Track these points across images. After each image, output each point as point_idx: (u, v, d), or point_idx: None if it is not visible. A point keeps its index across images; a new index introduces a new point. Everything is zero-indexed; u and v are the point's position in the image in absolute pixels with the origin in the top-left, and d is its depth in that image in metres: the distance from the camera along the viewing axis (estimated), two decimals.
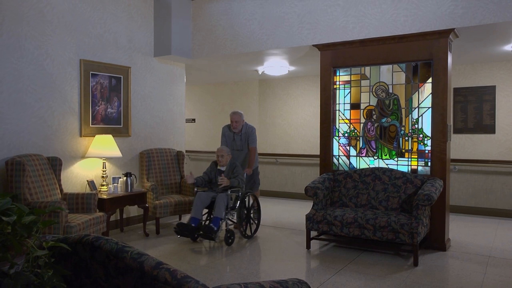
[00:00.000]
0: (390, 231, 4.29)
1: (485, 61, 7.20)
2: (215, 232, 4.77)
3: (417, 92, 4.92)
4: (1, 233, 1.40)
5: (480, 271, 4.11)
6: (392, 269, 4.16)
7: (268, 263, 4.49)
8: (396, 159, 5.06)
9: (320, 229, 4.71)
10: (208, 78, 9.29)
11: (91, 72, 5.36)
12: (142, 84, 6.07)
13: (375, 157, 5.19)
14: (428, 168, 4.86)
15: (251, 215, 5.45)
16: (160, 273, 1.41)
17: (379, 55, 5.06)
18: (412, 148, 4.96)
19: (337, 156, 5.42)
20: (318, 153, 5.80)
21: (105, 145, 5.21)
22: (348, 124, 5.36)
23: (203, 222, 5.15)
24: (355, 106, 5.32)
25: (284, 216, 6.74)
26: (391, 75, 5.07)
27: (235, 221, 5.25)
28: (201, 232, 4.87)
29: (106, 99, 5.58)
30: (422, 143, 4.90)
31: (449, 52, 4.75)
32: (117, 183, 5.29)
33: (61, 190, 4.74)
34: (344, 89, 5.38)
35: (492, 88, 7.30)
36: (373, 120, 5.19)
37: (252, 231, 5.38)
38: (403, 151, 5.02)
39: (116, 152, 5.28)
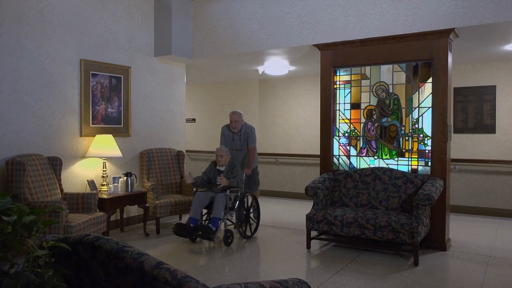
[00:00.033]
0: (391, 231, 4.29)
1: (486, 61, 7.20)
2: (213, 232, 4.75)
3: (417, 92, 4.92)
4: (1, 232, 1.40)
5: (481, 271, 4.11)
6: (392, 269, 4.16)
7: (268, 263, 4.49)
8: (396, 159, 5.06)
9: (320, 229, 4.71)
10: (208, 78, 9.30)
11: (91, 72, 5.36)
12: (142, 84, 6.07)
13: (375, 157, 5.18)
14: (428, 168, 4.85)
15: (251, 214, 5.44)
16: (161, 273, 1.41)
17: (380, 55, 5.06)
18: (412, 148, 4.96)
19: (338, 156, 5.42)
20: (318, 153, 5.80)
21: (105, 145, 5.21)
22: (349, 124, 5.35)
23: (202, 222, 5.13)
24: (355, 106, 5.32)
25: (284, 216, 6.74)
26: (392, 75, 5.07)
27: (234, 221, 5.22)
28: (199, 233, 4.85)
29: (107, 99, 5.58)
30: (422, 143, 4.90)
31: (449, 52, 4.75)
32: (117, 183, 5.29)
33: (62, 190, 4.75)
34: (345, 89, 5.38)
35: (493, 88, 7.29)
36: (373, 120, 5.19)
37: (252, 231, 5.37)
38: (404, 151, 5.01)
39: (116, 152, 5.28)
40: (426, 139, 4.87)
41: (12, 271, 1.36)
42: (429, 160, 4.84)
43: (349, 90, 5.35)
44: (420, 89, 4.90)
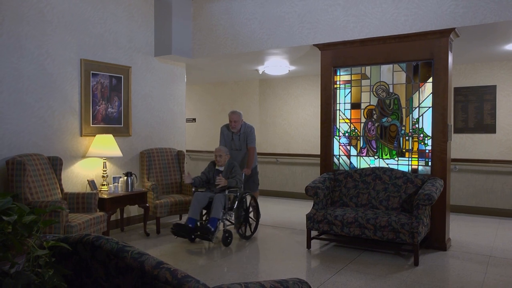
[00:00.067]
0: (391, 231, 4.29)
1: (486, 61, 7.20)
2: (212, 232, 4.72)
3: (417, 92, 4.92)
4: (1, 232, 1.40)
5: (481, 270, 4.11)
6: (392, 268, 4.16)
7: (269, 263, 4.49)
8: (396, 158, 5.06)
9: (320, 229, 4.71)
10: (208, 77, 9.30)
11: (91, 72, 5.36)
12: (142, 84, 6.08)
13: (376, 157, 5.18)
14: (428, 168, 4.85)
15: (250, 215, 5.42)
16: (161, 273, 1.41)
17: (380, 54, 5.06)
18: (412, 148, 4.96)
19: (338, 156, 5.42)
20: (318, 152, 5.80)
21: (105, 145, 5.21)
22: (349, 124, 5.35)
23: (201, 223, 5.11)
24: (355, 105, 5.31)
25: (284, 215, 6.74)
26: (392, 75, 5.06)
27: (233, 221, 5.19)
28: (198, 233, 4.83)
29: (107, 98, 5.58)
30: (422, 143, 4.90)
31: (449, 52, 4.75)
32: (118, 183, 5.29)
33: (62, 189, 4.75)
34: (345, 88, 5.38)
35: (493, 88, 7.29)
36: (373, 119, 5.19)
37: (251, 231, 5.35)
38: (404, 150, 5.01)
39: (116, 151, 5.28)
40: (426, 139, 4.87)
41: (13, 270, 1.36)
42: (430, 160, 4.84)
43: (349, 90, 5.35)
44: (420, 89, 4.90)
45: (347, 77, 5.36)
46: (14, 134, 4.57)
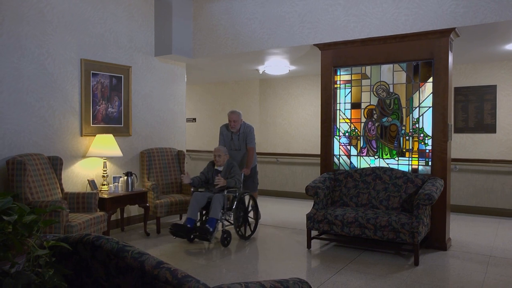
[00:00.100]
0: (391, 231, 4.29)
1: (486, 61, 7.20)
2: (210, 233, 4.69)
3: (418, 92, 4.92)
4: (2, 232, 1.40)
5: (481, 270, 4.11)
6: (392, 268, 4.16)
7: (269, 263, 4.49)
8: (396, 158, 5.06)
9: (320, 229, 4.71)
10: (208, 77, 9.30)
11: (91, 72, 5.36)
12: (142, 84, 6.08)
13: (376, 157, 5.18)
14: (428, 168, 4.85)
15: (249, 215, 5.40)
16: (161, 273, 1.41)
17: (380, 54, 5.06)
18: (412, 148, 4.96)
19: (338, 156, 5.42)
20: (318, 152, 5.80)
21: (105, 145, 5.21)
22: (349, 124, 5.35)
23: (199, 223, 5.08)
24: (355, 105, 5.31)
25: (284, 215, 6.74)
26: (392, 75, 5.06)
27: (232, 222, 5.16)
28: (196, 233, 4.80)
29: (107, 98, 5.58)
30: (422, 143, 4.90)
31: (450, 52, 4.75)
32: (118, 183, 5.30)
33: (62, 189, 4.75)
34: (345, 88, 5.38)
35: (493, 88, 7.29)
36: (373, 119, 5.19)
37: (251, 231, 5.33)
38: (404, 150, 5.01)
39: (116, 151, 5.29)
40: (426, 138, 4.87)
41: (13, 270, 1.37)
42: (430, 159, 4.84)
43: (350, 89, 5.35)
44: (420, 89, 4.90)
45: (348, 77, 5.36)
46: (14, 134, 4.57)
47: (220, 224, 5.02)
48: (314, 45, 5.45)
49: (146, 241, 5.21)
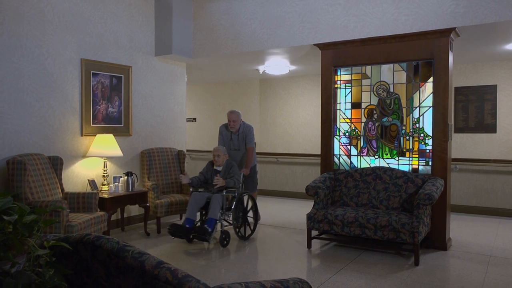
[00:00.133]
0: (391, 231, 4.29)
1: (486, 60, 7.20)
2: (209, 233, 4.66)
3: (418, 91, 4.92)
4: (2, 232, 1.40)
5: (481, 270, 4.11)
6: (393, 268, 4.16)
7: (269, 263, 4.49)
8: (397, 158, 5.06)
9: (321, 229, 4.70)
10: (209, 77, 9.30)
11: (92, 72, 5.36)
12: (143, 84, 6.08)
13: (376, 157, 5.18)
14: (429, 168, 4.85)
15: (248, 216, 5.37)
16: (161, 272, 1.41)
17: (380, 54, 5.06)
18: (413, 148, 4.96)
19: (338, 156, 5.42)
20: (319, 152, 5.80)
21: (106, 145, 5.21)
22: (349, 124, 5.35)
23: (197, 223, 5.05)
24: (356, 105, 5.31)
25: (285, 215, 6.74)
26: (392, 74, 5.06)
27: (230, 222, 5.11)
28: (195, 233, 4.77)
29: (107, 98, 5.58)
30: (423, 143, 4.90)
31: (450, 51, 4.74)
32: (118, 183, 5.30)
33: (62, 189, 4.75)
34: (345, 88, 5.38)
35: (494, 87, 7.29)
36: (374, 119, 5.19)
37: (250, 230, 5.31)
38: (404, 150, 5.01)
39: (117, 151, 5.29)
40: (426, 138, 4.87)
41: (13, 270, 1.37)
42: (430, 159, 4.84)
43: (350, 89, 5.35)
44: (421, 89, 4.90)
45: (348, 77, 5.36)
46: (14, 134, 4.57)
47: (219, 224, 5.00)
48: (314, 45, 5.45)
49: (146, 241, 5.21)
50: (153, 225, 5.88)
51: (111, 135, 5.33)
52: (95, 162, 5.42)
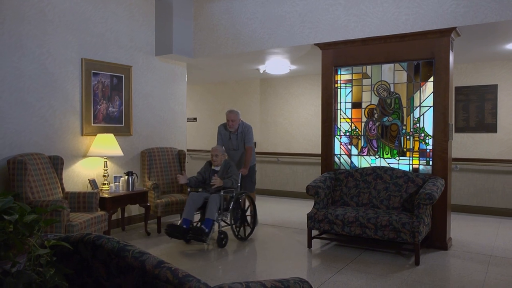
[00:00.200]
0: (392, 230, 4.29)
1: (487, 60, 7.19)
2: (206, 234, 4.61)
3: (418, 91, 4.91)
4: (3, 232, 1.40)
5: (482, 270, 4.10)
6: (393, 268, 4.16)
7: (270, 262, 4.49)
8: (397, 158, 5.05)
9: (321, 228, 4.70)
10: (209, 77, 9.30)
11: (92, 71, 5.36)
12: (143, 83, 6.08)
13: (377, 156, 5.18)
14: (429, 167, 4.85)
15: (247, 217, 5.33)
16: (162, 272, 1.41)
17: (381, 54, 5.06)
18: (413, 147, 4.96)
19: (339, 155, 5.42)
20: (319, 152, 5.80)
21: (106, 144, 5.21)
22: (350, 123, 5.35)
23: (195, 224, 4.97)
24: (356, 105, 5.31)
25: (285, 215, 6.74)
26: (393, 74, 5.06)
27: (228, 222, 5.03)
28: (191, 234, 4.70)
29: (108, 98, 5.58)
30: (423, 142, 4.90)
31: (450, 51, 4.74)
32: (119, 182, 5.30)
33: (63, 189, 4.75)
34: (346, 88, 5.38)
35: (494, 87, 7.28)
36: (374, 119, 5.19)
37: (250, 228, 5.28)
38: (405, 150, 5.01)
39: (117, 151, 5.29)
40: (427, 138, 4.87)
41: (14, 270, 1.37)
42: (430, 159, 4.84)
43: (350, 89, 5.35)
44: (421, 88, 4.90)
45: (348, 76, 5.36)
46: (15, 134, 4.58)
47: (217, 225, 4.95)
48: (315, 44, 5.45)
49: (147, 241, 5.22)
50: (153, 224, 5.88)
51: (111, 135, 5.33)
52: (95, 161, 5.42)
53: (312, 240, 4.88)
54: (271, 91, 9.51)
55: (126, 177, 5.31)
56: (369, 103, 5.22)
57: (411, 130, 4.96)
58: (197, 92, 10.51)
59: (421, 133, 4.91)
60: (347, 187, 5.05)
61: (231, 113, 5.55)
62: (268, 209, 7.04)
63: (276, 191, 8.61)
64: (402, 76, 5.01)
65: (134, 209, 5.97)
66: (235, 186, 5.11)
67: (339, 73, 5.40)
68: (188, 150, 8.48)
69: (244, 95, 9.79)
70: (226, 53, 6.11)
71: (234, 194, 5.08)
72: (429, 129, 4.85)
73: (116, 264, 1.52)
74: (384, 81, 5.11)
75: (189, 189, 5.32)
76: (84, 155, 5.31)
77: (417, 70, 4.91)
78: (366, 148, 5.25)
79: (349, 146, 5.36)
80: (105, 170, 5.31)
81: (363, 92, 5.26)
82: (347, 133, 5.36)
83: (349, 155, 5.36)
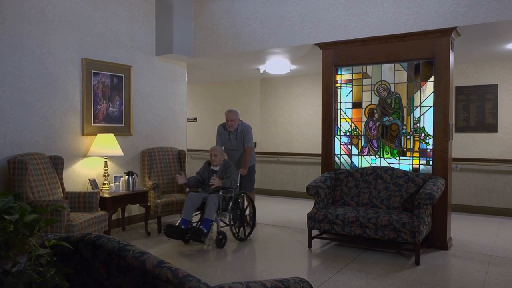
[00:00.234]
0: (392, 230, 4.29)
1: (487, 60, 7.19)
2: (205, 234, 4.59)
3: (419, 91, 4.91)
4: (3, 231, 1.40)
5: (482, 270, 4.10)
6: (393, 268, 4.16)
7: (270, 262, 4.49)
8: (397, 158, 5.05)
9: (321, 228, 4.70)
10: (209, 77, 9.30)
11: (92, 71, 5.36)
12: (143, 83, 6.08)
13: (377, 156, 5.18)
14: (430, 167, 4.85)
15: (247, 217, 5.31)
16: (162, 272, 1.41)
17: (381, 54, 5.06)
18: (414, 147, 4.96)
19: (339, 155, 5.41)
20: (319, 152, 5.79)
21: (106, 144, 5.21)
22: (350, 123, 5.35)
23: (193, 224, 4.95)
24: (356, 105, 5.31)
25: (285, 215, 6.74)
26: (393, 74, 5.06)
27: (227, 223, 5.02)
28: (190, 235, 4.68)
29: (108, 98, 5.58)
30: (424, 142, 4.90)
31: (451, 51, 4.74)
32: (119, 182, 5.30)
33: (63, 189, 4.75)
34: (346, 87, 5.37)
35: (495, 87, 7.28)
36: (374, 119, 5.18)
37: (246, 234, 5.22)
38: (405, 150, 5.01)
39: (117, 151, 5.29)
40: (427, 138, 4.87)
41: (14, 269, 1.37)
42: (431, 159, 4.84)
43: (351, 89, 5.34)
44: (421, 88, 4.90)
45: (348, 76, 5.35)
46: (15, 133, 4.58)
47: (216, 225, 4.93)
48: (315, 44, 5.45)
49: (147, 241, 5.22)
50: (153, 224, 5.88)
51: (111, 135, 5.33)
52: (96, 161, 5.42)
53: (313, 240, 4.88)
54: (272, 91, 9.51)
55: (127, 177, 5.31)
56: (370, 103, 5.21)
57: (412, 130, 4.96)
58: (197, 92, 10.51)
59: (422, 133, 4.90)
60: (347, 187, 5.05)
61: (230, 112, 5.54)
62: (268, 209, 7.04)
63: (276, 191, 8.61)
64: (403, 76, 5.00)
65: (135, 209, 5.97)
66: (234, 186, 5.09)
67: (339, 73, 5.40)
68: (188, 150, 8.48)
69: (244, 95, 9.79)
70: (226, 53, 6.11)
71: (233, 194, 5.06)
72: (429, 129, 4.85)
73: (116, 264, 1.52)
74: (385, 81, 5.11)
75: (187, 189, 5.30)
76: (85, 155, 5.31)
77: (417, 70, 4.90)
78: (367, 148, 5.25)
79: (349, 146, 5.36)
80: (105, 170, 5.31)
81: (363, 92, 5.26)
82: (348, 133, 5.36)
83: (349, 155, 5.36)
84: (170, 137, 6.52)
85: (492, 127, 7.31)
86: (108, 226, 4.78)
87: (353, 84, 5.32)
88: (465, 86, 7.48)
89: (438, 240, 4.75)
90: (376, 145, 5.19)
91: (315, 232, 5.05)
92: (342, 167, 5.38)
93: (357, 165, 5.30)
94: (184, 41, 6.21)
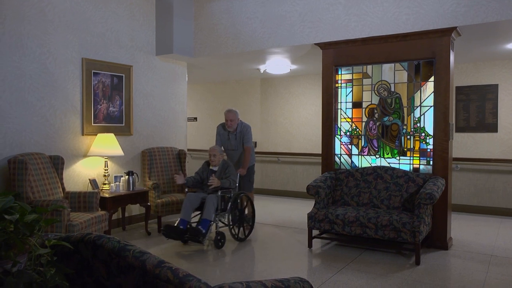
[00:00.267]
0: (392, 230, 4.29)
1: (488, 60, 7.19)
2: (203, 235, 4.56)
3: (419, 91, 4.91)
4: (3, 231, 1.40)
5: (482, 270, 4.10)
6: (394, 268, 4.16)
7: (270, 262, 4.49)
8: (398, 157, 5.05)
9: (322, 228, 4.70)
10: (209, 77, 9.30)
11: (93, 71, 5.36)
12: (144, 83, 6.08)
13: (377, 156, 5.18)
14: (430, 167, 4.85)
15: (246, 218, 5.29)
16: (162, 272, 1.41)
17: (381, 53, 5.05)
18: (414, 147, 4.96)
19: (339, 155, 5.41)
20: (320, 151, 5.79)
21: (107, 144, 5.21)
22: (350, 123, 5.35)
23: (192, 224, 4.92)
24: (357, 104, 5.31)
25: (285, 215, 6.74)
26: (393, 74, 5.06)
27: (226, 223, 5.00)
28: (188, 235, 4.66)
29: (108, 97, 5.58)
30: (424, 142, 4.90)
31: (451, 51, 4.74)
32: (119, 182, 5.30)
33: (63, 188, 4.75)
34: (346, 87, 5.37)
35: (495, 87, 7.27)
36: (375, 118, 5.18)
37: (245, 234, 5.20)
38: (405, 149, 5.01)
39: (118, 150, 5.29)
40: (428, 138, 4.87)
41: (15, 269, 1.37)
42: (431, 159, 4.84)
43: (351, 89, 5.34)
44: (422, 88, 4.90)
45: (349, 76, 5.35)
46: (16, 133, 4.58)
47: (214, 225, 4.91)
48: (315, 44, 5.45)
49: (147, 241, 5.22)
50: (154, 224, 5.88)
51: (112, 135, 5.33)
52: (96, 161, 5.42)
53: (313, 240, 4.88)
54: (272, 91, 9.51)
55: (127, 176, 5.31)
56: (370, 102, 5.21)
57: (412, 129, 4.96)
58: (197, 91, 10.51)
59: (422, 133, 4.90)
60: (347, 187, 5.05)
61: (230, 112, 5.52)
62: (268, 209, 7.04)
63: (277, 191, 8.61)
64: (403, 76, 5.00)
65: (135, 209, 5.98)
66: (233, 186, 5.07)
67: (339, 72, 5.40)
68: (188, 150, 8.48)
69: (244, 94, 9.79)
70: (227, 53, 6.12)
71: (232, 194, 5.05)
72: (429, 129, 4.85)
73: (116, 263, 1.52)
74: (385, 81, 5.11)
75: (186, 190, 5.29)
76: (85, 155, 5.31)
77: (417, 70, 4.90)
78: (367, 148, 5.24)
79: (349, 146, 5.36)
80: (105, 169, 5.31)
81: (363, 92, 5.26)
82: (348, 133, 5.36)
83: (350, 155, 5.36)
84: (170, 137, 6.52)
85: (492, 127, 7.31)
86: (108, 226, 4.78)
87: (353, 84, 5.32)
88: (466, 86, 7.48)
89: (438, 240, 4.75)
90: (376, 145, 5.19)
91: (315, 232, 5.05)
92: (342, 167, 5.38)
93: (357, 165, 5.30)
94: (184, 41, 6.21)
